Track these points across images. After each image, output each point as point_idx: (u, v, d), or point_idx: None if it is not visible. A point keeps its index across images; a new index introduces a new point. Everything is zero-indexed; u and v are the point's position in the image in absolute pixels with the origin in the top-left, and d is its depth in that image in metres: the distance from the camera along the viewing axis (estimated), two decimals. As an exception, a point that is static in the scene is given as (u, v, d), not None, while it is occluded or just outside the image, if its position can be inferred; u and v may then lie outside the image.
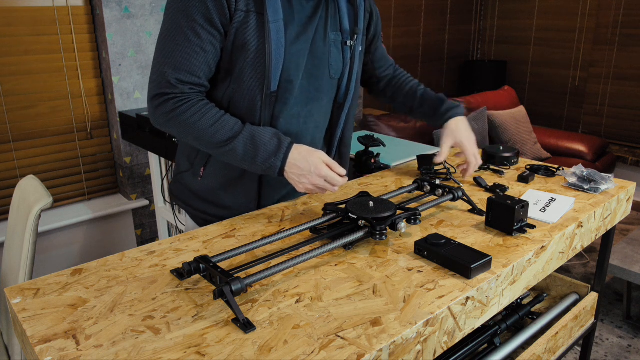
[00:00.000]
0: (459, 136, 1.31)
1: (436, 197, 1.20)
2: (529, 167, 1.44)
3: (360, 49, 1.25)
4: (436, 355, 0.83)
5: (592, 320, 1.46)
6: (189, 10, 1.04)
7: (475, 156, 1.31)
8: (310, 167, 1.07)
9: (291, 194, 1.28)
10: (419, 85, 1.43)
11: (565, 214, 1.15)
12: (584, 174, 1.32)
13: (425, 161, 1.40)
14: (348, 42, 1.20)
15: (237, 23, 1.06)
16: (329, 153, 1.30)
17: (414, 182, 1.26)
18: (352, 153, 2.16)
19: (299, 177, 1.08)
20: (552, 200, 1.18)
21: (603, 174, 1.32)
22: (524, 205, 1.04)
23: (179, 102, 1.08)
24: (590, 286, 1.46)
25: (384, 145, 1.98)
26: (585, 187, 1.28)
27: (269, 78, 1.09)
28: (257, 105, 1.12)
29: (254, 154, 1.07)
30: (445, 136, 1.33)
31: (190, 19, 1.05)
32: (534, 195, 1.22)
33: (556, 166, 1.43)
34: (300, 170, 1.08)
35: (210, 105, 1.10)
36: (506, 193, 1.27)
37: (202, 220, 1.28)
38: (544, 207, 1.14)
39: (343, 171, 1.11)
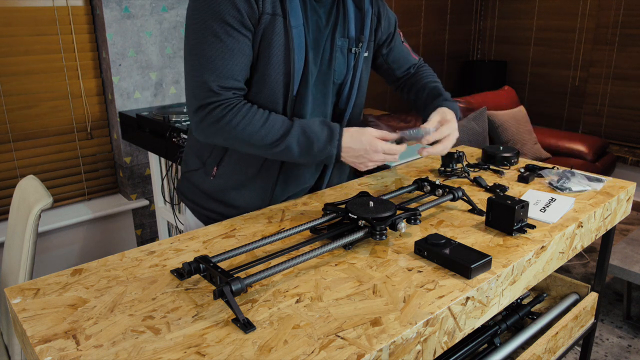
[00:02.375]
0: (447, 119, 1.23)
1: (436, 197, 1.20)
2: (524, 167, 1.44)
3: (366, 54, 1.25)
4: (436, 355, 0.83)
5: (592, 320, 1.46)
6: (220, 13, 1.02)
7: (443, 149, 1.22)
8: (366, 146, 1.09)
9: (301, 192, 1.28)
10: (433, 82, 1.39)
11: (565, 214, 1.15)
12: (566, 174, 1.33)
13: (448, 159, 1.41)
14: (353, 48, 1.20)
15: (264, 25, 1.06)
16: None
17: (414, 182, 1.26)
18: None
19: (357, 157, 1.11)
20: (552, 200, 1.18)
21: (591, 176, 1.31)
22: (524, 205, 1.04)
23: (225, 109, 1.06)
24: (590, 286, 1.46)
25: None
26: (555, 184, 1.28)
27: (293, 82, 1.10)
28: (280, 109, 1.13)
29: (309, 146, 1.09)
30: (435, 113, 1.24)
31: (223, 22, 1.03)
32: (534, 195, 1.22)
33: (551, 166, 1.44)
34: (356, 152, 1.10)
35: (254, 107, 1.09)
36: (506, 193, 1.27)
37: (206, 218, 1.27)
38: (544, 207, 1.14)
39: (396, 136, 1.12)
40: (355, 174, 1.45)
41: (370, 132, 1.10)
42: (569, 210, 1.16)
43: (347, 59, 1.21)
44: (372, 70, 1.43)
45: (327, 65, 1.17)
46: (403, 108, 4.39)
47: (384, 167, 1.94)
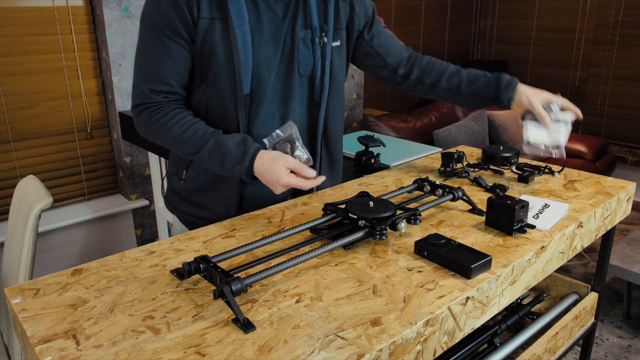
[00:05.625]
0: (541, 95, 1.26)
1: (436, 197, 1.20)
2: (516, 166, 1.44)
3: (337, 43, 1.23)
4: (436, 355, 0.83)
5: (592, 320, 1.46)
6: (155, 22, 1.09)
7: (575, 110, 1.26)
8: (272, 177, 1.07)
9: (273, 201, 1.26)
10: (450, 65, 1.36)
11: (559, 220, 1.14)
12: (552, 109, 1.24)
13: (447, 159, 1.41)
14: (317, 39, 1.19)
15: (203, 30, 1.09)
16: (313, 153, 1.27)
17: (414, 182, 1.26)
18: (352, 153, 2.17)
19: (270, 185, 1.10)
20: (546, 206, 1.16)
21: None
22: (524, 205, 1.04)
23: (153, 111, 1.13)
24: (590, 286, 1.46)
25: (384, 145, 1.98)
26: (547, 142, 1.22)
27: (240, 82, 1.11)
28: (233, 108, 1.14)
29: (222, 162, 1.10)
30: (533, 95, 1.26)
31: (157, 30, 1.09)
32: (527, 200, 1.21)
33: (544, 164, 1.44)
34: (265, 179, 1.09)
35: (183, 113, 1.13)
36: (506, 193, 1.27)
37: (189, 222, 1.29)
38: (537, 214, 1.13)
39: (311, 173, 1.09)
40: (355, 174, 1.45)
41: (284, 162, 1.07)
42: (562, 217, 1.15)
43: (312, 50, 1.20)
44: (369, 73, 1.41)
45: (289, 59, 1.17)
46: (403, 108, 4.40)
47: (384, 168, 1.94)
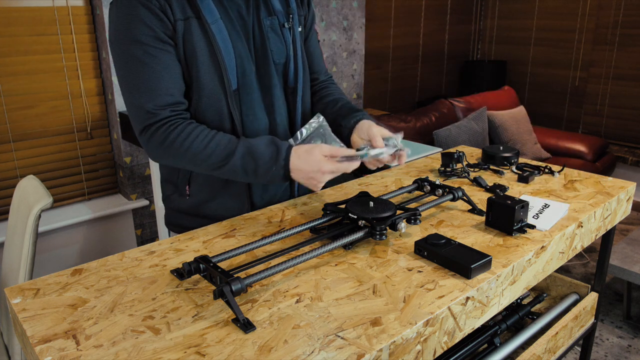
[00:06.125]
0: (380, 129, 1.18)
1: (436, 197, 1.20)
2: (516, 167, 1.44)
3: (300, 29, 1.23)
4: (436, 355, 0.83)
5: (592, 320, 1.46)
6: (133, 35, 1.03)
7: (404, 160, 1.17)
8: (313, 167, 1.03)
9: (284, 190, 1.27)
10: (345, 99, 1.33)
11: (559, 220, 1.14)
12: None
13: (447, 159, 1.41)
14: (285, 23, 1.18)
15: (181, 33, 1.06)
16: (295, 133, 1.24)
17: (414, 182, 1.26)
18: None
19: (308, 179, 1.05)
20: (546, 206, 1.16)
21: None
22: (524, 205, 1.04)
23: (166, 130, 1.06)
24: (590, 286, 1.46)
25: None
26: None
27: (228, 77, 1.09)
28: (225, 107, 1.11)
29: (255, 167, 1.05)
30: (373, 128, 1.16)
31: (138, 43, 1.03)
32: (527, 200, 1.22)
33: (544, 164, 1.44)
34: (305, 174, 1.05)
35: (199, 127, 1.08)
36: (506, 193, 1.27)
37: None
38: (536, 214, 1.13)
39: (348, 151, 1.06)
40: (355, 173, 1.44)
41: (320, 150, 1.04)
42: (562, 217, 1.15)
43: (282, 36, 1.19)
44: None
45: (261, 48, 1.16)
46: (403, 108, 4.40)
47: (384, 168, 1.94)
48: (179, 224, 1.25)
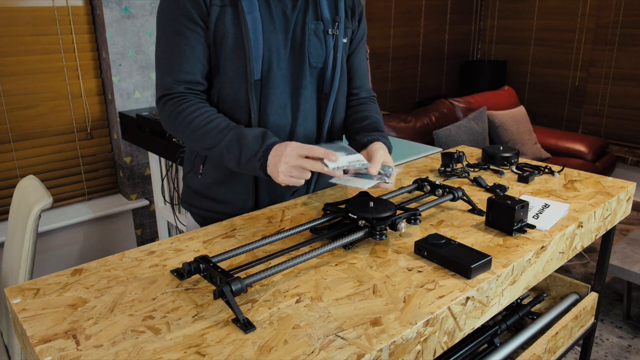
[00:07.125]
0: (386, 155, 1.14)
1: (436, 197, 1.20)
2: (516, 167, 1.44)
3: (345, 40, 1.25)
4: (436, 355, 0.83)
5: (592, 320, 1.46)
6: (171, 13, 1.12)
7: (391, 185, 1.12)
8: (281, 160, 1.02)
9: (289, 190, 1.28)
10: (377, 116, 1.32)
11: (559, 220, 1.15)
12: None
13: (447, 159, 1.41)
14: (330, 30, 1.21)
15: (215, 17, 1.11)
16: (318, 143, 1.26)
17: (414, 182, 1.26)
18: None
19: (276, 170, 1.03)
20: (546, 206, 1.16)
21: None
22: (524, 205, 1.04)
23: (177, 102, 1.13)
24: (590, 286, 1.46)
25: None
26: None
27: (251, 66, 1.12)
28: (243, 95, 1.15)
29: (239, 154, 1.08)
30: (379, 148, 1.14)
31: (174, 21, 1.12)
32: (527, 200, 1.22)
33: (544, 164, 1.44)
34: (274, 165, 1.04)
35: (206, 107, 1.14)
36: (506, 193, 1.27)
37: (201, 218, 1.29)
38: (537, 214, 1.13)
39: (322, 152, 1.02)
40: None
41: (296, 146, 1.03)
42: (562, 217, 1.15)
43: (324, 42, 1.21)
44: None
45: (299, 49, 1.18)
46: (403, 108, 4.40)
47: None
48: (190, 203, 1.31)
